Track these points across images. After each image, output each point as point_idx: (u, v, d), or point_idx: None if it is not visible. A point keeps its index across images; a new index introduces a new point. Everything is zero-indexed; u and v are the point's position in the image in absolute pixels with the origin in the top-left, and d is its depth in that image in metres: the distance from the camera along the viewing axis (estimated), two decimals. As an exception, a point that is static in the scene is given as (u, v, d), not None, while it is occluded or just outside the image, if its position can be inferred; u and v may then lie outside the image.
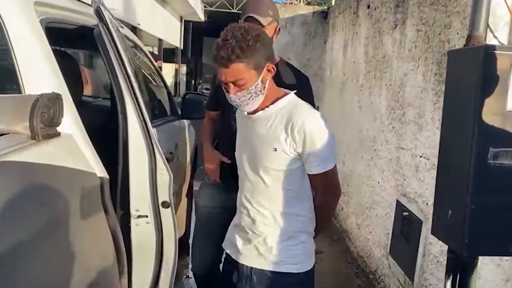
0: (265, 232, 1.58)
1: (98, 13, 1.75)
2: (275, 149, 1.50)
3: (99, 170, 1.48)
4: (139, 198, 1.78)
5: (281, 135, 1.50)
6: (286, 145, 1.49)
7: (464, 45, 1.58)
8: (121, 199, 1.80)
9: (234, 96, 1.48)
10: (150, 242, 1.83)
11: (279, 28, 2.15)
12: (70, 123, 1.41)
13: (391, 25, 3.19)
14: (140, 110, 1.73)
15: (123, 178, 1.79)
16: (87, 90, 4.48)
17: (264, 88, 1.49)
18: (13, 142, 1.09)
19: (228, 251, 1.74)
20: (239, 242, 1.65)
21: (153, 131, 1.79)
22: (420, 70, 2.62)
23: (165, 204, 1.81)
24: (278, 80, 1.70)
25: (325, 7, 5.85)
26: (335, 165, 1.59)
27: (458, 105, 1.54)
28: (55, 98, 1.30)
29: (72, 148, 1.36)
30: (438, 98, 2.34)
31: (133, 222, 1.78)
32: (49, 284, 1.08)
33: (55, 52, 2.05)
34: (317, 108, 1.76)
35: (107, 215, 1.52)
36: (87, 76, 4.78)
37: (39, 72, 1.38)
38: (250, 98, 1.48)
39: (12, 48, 1.36)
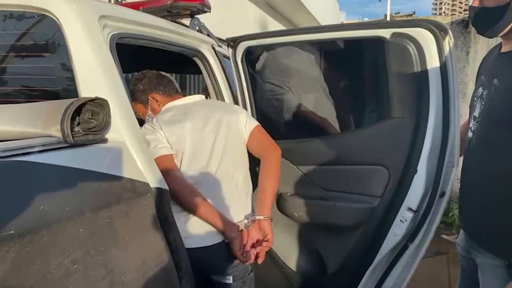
0: None
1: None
2: None
3: (155, 182, 1.40)
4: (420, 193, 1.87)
5: None
6: None
7: None
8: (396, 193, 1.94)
9: None
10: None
11: None
12: (126, 131, 1.37)
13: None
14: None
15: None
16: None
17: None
18: (39, 143, 1.06)
19: None
20: None
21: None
22: None
23: (443, 193, 1.88)
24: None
25: (466, 16, 5.20)
26: None
27: None
28: (102, 104, 1.28)
29: (119, 155, 1.30)
30: None
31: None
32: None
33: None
34: None
35: (165, 231, 1.42)
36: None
37: (96, 82, 1.36)
38: None
39: (73, 63, 1.38)
